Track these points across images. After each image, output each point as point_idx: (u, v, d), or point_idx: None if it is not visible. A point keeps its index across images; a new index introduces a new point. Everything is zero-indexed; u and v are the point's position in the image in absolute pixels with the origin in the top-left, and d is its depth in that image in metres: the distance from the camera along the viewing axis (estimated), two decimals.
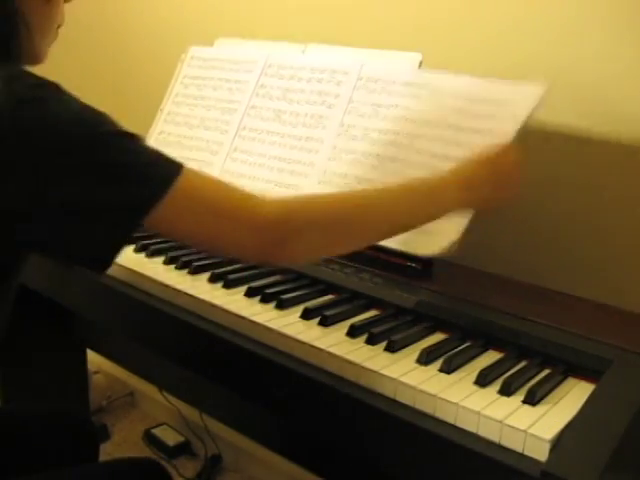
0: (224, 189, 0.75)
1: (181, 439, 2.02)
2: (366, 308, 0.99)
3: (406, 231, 0.87)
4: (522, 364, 0.85)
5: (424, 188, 0.86)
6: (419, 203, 0.85)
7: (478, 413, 0.71)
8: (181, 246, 1.18)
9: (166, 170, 0.72)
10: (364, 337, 0.87)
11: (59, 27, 0.91)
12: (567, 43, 1.23)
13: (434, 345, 0.86)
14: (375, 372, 0.79)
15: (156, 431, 2.05)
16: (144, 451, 2.01)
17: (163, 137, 1.56)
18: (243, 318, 0.92)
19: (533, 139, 1.28)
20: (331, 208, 0.79)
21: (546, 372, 0.83)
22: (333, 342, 0.85)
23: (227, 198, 0.74)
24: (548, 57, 1.25)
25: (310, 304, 0.96)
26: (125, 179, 0.70)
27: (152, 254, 1.14)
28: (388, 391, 0.78)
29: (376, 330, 0.88)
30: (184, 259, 1.10)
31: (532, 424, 0.69)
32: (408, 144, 1.18)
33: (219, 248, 0.78)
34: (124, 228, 0.71)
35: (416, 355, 0.83)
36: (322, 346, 0.84)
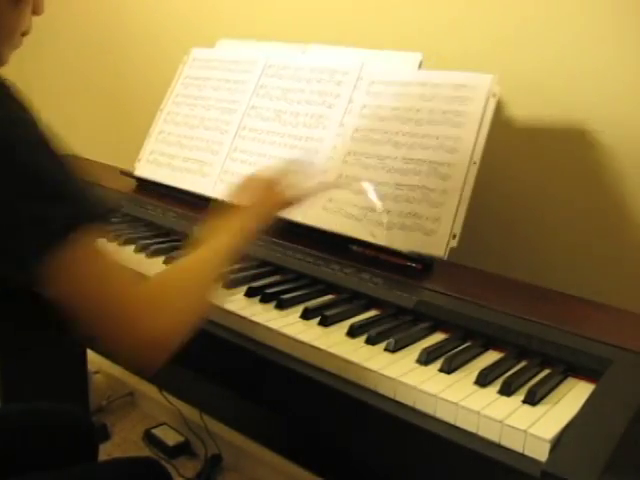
0: (108, 279, 0.71)
1: (181, 439, 2.02)
2: (366, 308, 0.99)
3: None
4: (522, 364, 0.85)
5: (225, 235, 0.88)
6: (226, 248, 0.87)
7: (478, 413, 0.71)
8: (181, 246, 1.18)
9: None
10: (364, 337, 0.87)
11: (24, 34, 0.90)
12: (567, 42, 1.23)
13: (434, 345, 0.86)
14: (375, 372, 0.79)
15: (156, 431, 2.05)
16: (144, 451, 2.01)
17: (163, 137, 1.56)
18: (243, 318, 0.92)
19: (539, 138, 1.28)
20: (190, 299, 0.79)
21: (546, 372, 0.83)
22: (333, 342, 0.85)
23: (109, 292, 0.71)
24: (549, 57, 1.25)
25: (310, 304, 0.96)
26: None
27: (152, 254, 1.14)
28: (388, 391, 0.78)
29: (376, 330, 0.88)
30: None
31: (532, 424, 0.69)
32: (408, 143, 1.19)
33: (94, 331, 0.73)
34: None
35: (416, 355, 0.83)
36: (322, 346, 0.84)
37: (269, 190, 0.97)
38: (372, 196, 1.17)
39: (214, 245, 0.85)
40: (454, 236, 1.09)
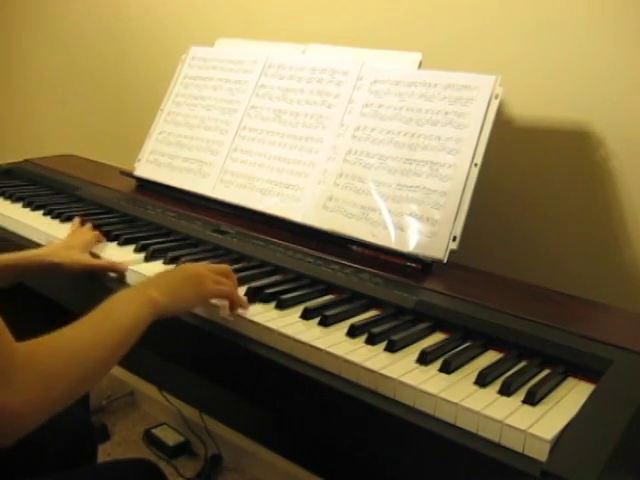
0: None
1: (181, 439, 2.02)
2: (366, 308, 0.99)
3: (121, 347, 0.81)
4: (522, 364, 0.85)
5: (114, 304, 0.83)
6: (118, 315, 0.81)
7: (478, 413, 0.71)
8: (181, 246, 1.19)
9: None
10: (364, 337, 0.87)
11: None
12: (570, 43, 1.23)
13: (434, 345, 0.86)
14: (375, 372, 0.79)
15: (156, 431, 2.05)
16: (144, 451, 2.01)
17: (163, 137, 1.56)
18: (243, 318, 0.92)
19: (550, 139, 1.28)
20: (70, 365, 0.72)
21: (546, 372, 0.83)
22: (333, 342, 0.85)
23: None
24: (551, 58, 1.25)
25: (310, 304, 0.96)
26: None
27: (152, 254, 1.14)
28: (388, 391, 0.78)
29: (376, 330, 0.88)
30: (185, 259, 1.10)
31: (532, 424, 0.69)
32: (410, 144, 1.19)
33: None
34: None
35: (416, 355, 0.83)
36: (322, 346, 0.84)
37: (207, 275, 0.93)
38: None
39: (112, 310, 0.80)
40: (454, 238, 1.09)
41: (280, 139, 1.35)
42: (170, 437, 2.03)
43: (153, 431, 2.05)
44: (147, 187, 1.54)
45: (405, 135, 1.20)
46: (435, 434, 0.72)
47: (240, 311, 0.93)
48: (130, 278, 1.08)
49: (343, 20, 1.55)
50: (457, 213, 1.10)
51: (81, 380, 0.73)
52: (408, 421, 0.74)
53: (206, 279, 0.92)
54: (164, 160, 1.53)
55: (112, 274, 1.10)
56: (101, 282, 1.09)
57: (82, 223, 1.26)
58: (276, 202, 1.30)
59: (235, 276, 0.98)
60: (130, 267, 1.08)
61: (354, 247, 1.19)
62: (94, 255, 1.15)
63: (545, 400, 0.76)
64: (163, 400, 2.05)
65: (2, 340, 0.65)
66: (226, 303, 0.94)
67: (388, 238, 1.15)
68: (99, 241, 1.20)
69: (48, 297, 1.19)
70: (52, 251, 1.13)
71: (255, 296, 0.98)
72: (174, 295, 0.88)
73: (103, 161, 1.84)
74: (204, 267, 0.97)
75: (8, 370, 0.64)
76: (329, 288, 1.04)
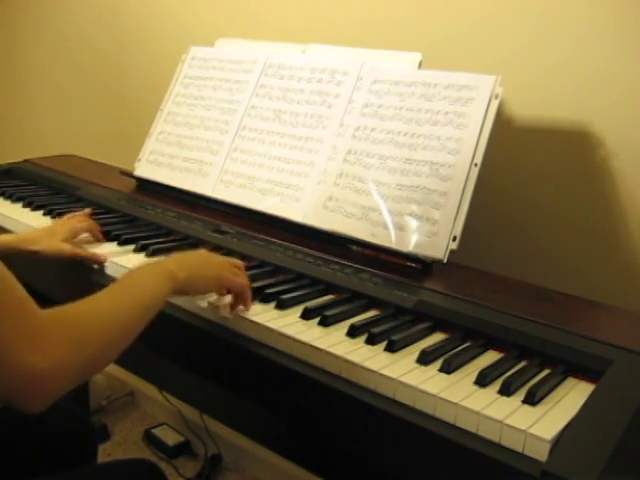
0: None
1: (181, 439, 2.02)
2: (366, 308, 0.99)
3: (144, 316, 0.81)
4: (522, 364, 0.85)
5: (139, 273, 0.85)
6: (137, 286, 0.82)
7: (478, 413, 0.71)
8: (181, 246, 1.19)
9: None
10: (364, 337, 0.87)
11: None
12: (571, 44, 1.23)
13: (434, 345, 0.86)
14: (375, 372, 0.79)
15: (156, 431, 2.05)
16: (144, 451, 2.01)
17: (163, 137, 1.56)
18: (243, 318, 0.92)
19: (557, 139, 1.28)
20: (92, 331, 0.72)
21: (546, 372, 0.83)
22: (333, 342, 0.85)
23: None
24: (552, 58, 1.25)
25: (310, 304, 0.96)
26: None
27: (152, 254, 1.14)
28: (388, 391, 0.78)
29: (376, 330, 0.88)
30: None
31: (532, 424, 0.69)
32: (410, 144, 1.19)
33: None
34: None
35: (416, 355, 0.83)
36: (322, 346, 0.84)
37: (226, 264, 0.95)
38: None
39: (134, 282, 0.82)
40: (454, 238, 1.09)
41: (280, 139, 1.35)
42: (170, 437, 2.03)
43: (153, 431, 2.05)
44: (147, 187, 1.54)
45: (405, 135, 1.20)
46: (435, 434, 0.72)
47: (241, 308, 0.93)
48: (110, 269, 1.09)
49: (343, 20, 1.55)
50: (457, 213, 1.10)
51: (106, 347, 0.73)
52: (408, 421, 0.74)
53: (224, 267, 0.94)
54: (164, 160, 1.53)
55: (95, 265, 1.09)
56: (84, 274, 1.09)
57: (88, 215, 1.24)
58: (276, 202, 1.30)
59: (247, 278, 0.98)
60: (110, 259, 1.09)
61: (354, 247, 1.19)
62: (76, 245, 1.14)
63: (545, 400, 0.76)
64: (163, 400, 2.04)
65: (27, 306, 0.65)
66: (227, 302, 0.94)
67: (388, 238, 1.15)
68: (90, 230, 1.19)
69: (50, 299, 1.19)
70: (32, 238, 1.13)
71: (255, 296, 0.98)
72: (193, 274, 0.89)
73: (103, 161, 1.84)
74: (222, 257, 0.99)
75: (35, 333, 0.64)
76: (329, 288, 1.04)
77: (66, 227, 1.16)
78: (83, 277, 1.11)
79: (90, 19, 2.22)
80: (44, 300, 0.71)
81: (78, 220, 1.21)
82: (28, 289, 0.67)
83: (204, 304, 0.96)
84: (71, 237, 1.15)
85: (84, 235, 1.19)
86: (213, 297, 0.97)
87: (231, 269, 0.95)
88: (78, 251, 1.12)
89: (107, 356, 0.75)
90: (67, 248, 1.11)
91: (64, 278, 1.17)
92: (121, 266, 1.08)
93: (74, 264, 1.10)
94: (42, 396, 0.65)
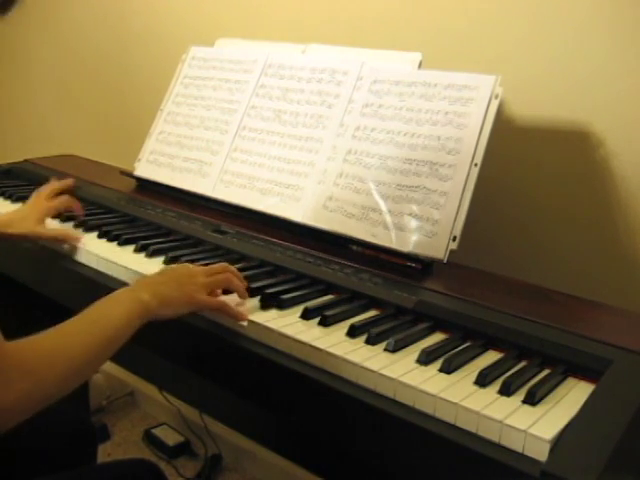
0: None
1: (181, 439, 2.02)
2: (366, 308, 0.99)
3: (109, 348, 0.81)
4: (522, 364, 0.85)
5: (101, 305, 0.83)
6: (101, 313, 0.81)
7: (478, 413, 0.71)
8: (181, 246, 1.19)
9: None
10: (364, 337, 0.87)
11: None
12: (571, 43, 1.23)
13: (434, 345, 0.86)
14: (375, 372, 0.79)
15: (156, 431, 2.05)
16: (144, 451, 2.01)
17: (163, 137, 1.56)
18: None
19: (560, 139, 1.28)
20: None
21: (546, 372, 0.83)
22: (333, 342, 0.85)
23: None
24: (552, 58, 1.26)
25: (310, 304, 0.96)
26: None
27: (152, 254, 1.14)
28: (388, 391, 0.78)
29: (376, 330, 0.88)
30: (185, 259, 1.10)
31: (532, 424, 0.69)
32: (410, 144, 1.19)
33: None
34: None
35: (416, 355, 0.83)
36: (322, 346, 0.84)
37: (199, 283, 0.91)
38: None
39: (102, 312, 0.80)
40: (454, 238, 1.09)
41: (280, 139, 1.35)
42: (170, 437, 2.03)
43: (153, 431, 2.05)
44: (147, 187, 1.54)
45: (405, 135, 1.20)
46: (435, 434, 0.72)
47: (242, 309, 0.93)
48: (83, 257, 1.11)
49: (343, 20, 1.55)
50: (457, 213, 1.10)
51: (66, 379, 0.74)
52: (408, 421, 0.74)
53: (196, 287, 0.90)
54: (164, 160, 1.53)
55: (65, 246, 1.09)
56: (57, 260, 1.09)
57: (64, 188, 1.24)
58: (276, 202, 1.30)
59: (233, 269, 0.97)
60: (85, 247, 1.10)
61: (354, 247, 1.19)
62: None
63: (545, 400, 0.76)
64: (163, 400, 2.05)
65: None
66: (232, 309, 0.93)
67: (388, 238, 1.15)
68: (67, 206, 1.17)
69: (50, 299, 1.20)
70: (3, 220, 1.12)
71: (255, 296, 0.98)
72: (164, 300, 0.87)
73: (103, 161, 1.84)
74: (198, 270, 0.94)
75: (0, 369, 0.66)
76: (329, 288, 1.04)
77: (36, 209, 1.14)
78: (53, 263, 1.11)
79: (91, 20, 2.22)
80: (15, 284, 0.72)
81: (46, 196, 1.18)
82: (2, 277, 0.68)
83: None
84: (43, 219, 1.13)
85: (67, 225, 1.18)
86: None
87: (205, 287, 0.91)
88: (51, 232, 1.11)
89: (69, 386, 0.75)
90: (40, 230, 1.10)
91: (36, 264, 1.17)
92: (121, 266, 1.08)
93: (46, 247, 1.10)
94: (2, 426, 0.69)
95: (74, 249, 1.16)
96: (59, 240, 1.11)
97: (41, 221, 1.13)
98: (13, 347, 0.69)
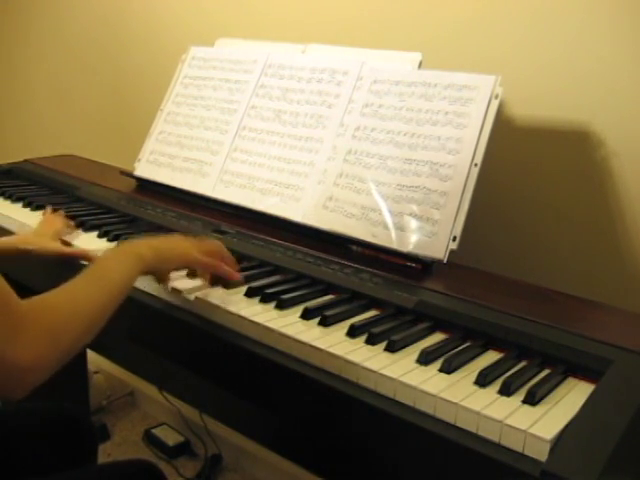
0: None
1: (181, 439, 2.02)
2: (366, 308, 0.99)
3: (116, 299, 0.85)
4: (522, 364, 0.85)
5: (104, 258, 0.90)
6: (106, 270, 0.86)
7: (478, 413, 0.71)
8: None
9: None
10: (364, 337, 0.87)
11: None
12: (571, 43, 1.23)
13: (434, 345, 0.86)
14: (375, 372, 0.79)
15: (156, 431, 2.05)
16: (144, 451, 2.01)
17: (163, 137, 1.56)
18: (243, 318, 0.92)
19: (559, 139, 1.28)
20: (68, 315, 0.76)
21: (546, 372, 0.83)
22: (333, 342, 0.85)
23: None
24: (552, 57, 1.25)
25: (310, 304, 0.96)
26: None
27: None
28: (388, 391, 0.78)
29: (376, 330, 0.88)
30: None
31: (532, 424, 0.69)
32: (410, 144, 1.19)
33: None
34: None
35: (416, 355, 0.83)
36: (322, 346, 0.84)
37: (196, 244, 0.98)
38: None
39: (105, 267, 0.85)
40: (454, 238, 1.09)
41: (280, 139, 1.35)
42: (170, 437, 2.03)
43: (153, 431, 2.05)
44: (147, 187, 1.54)
45: (405, 135, 1.20)
46: (435, 434, 0.72)
47: (205, 293, 0.97)
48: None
49: (343, 20, 1.55)
50: (457, 213, 1.10)
51: (82, 332, 0.77)
52: (408, 421, 0.74)
53: (193, 247, 0.97)
54: (164, 160, 1.53)
55: (83, 262, 1.12)
56: (72, 270, 1.10)
57: (54, 211, 1.29)
58: (276, 202, 1.30)
59: (224, 250, 1.02)
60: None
61: (354, 247, 1.19)
62: (65, 243, 1.19)
63: (545, 400, 0.76)
64: (163, 400, 2.04)
65: (8, 298, 0.68)
66: (194, 286, 0.98)
67: (388, 238, 1.15)
68: (69, 227, 1.24)
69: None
70: (23, 238, 1.18)
71: (255, 296, 0.98)
72: (160, 253, 0.93)
73: (103, 161, 1.84)
74: (194, 238, 1.01)
75: (16, 326, 0.68)
76: (329, 288, 1.04)
77: (52, 227, 1.21)
78: (69, 272, 1.13)
79: (91, 20, 2.22)
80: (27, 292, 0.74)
81: (60, 221, 1.25)
82: (15, 284, 0.69)
83: (205, 305, 0.96)
84: (57, 236, 1.19)
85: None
86: (214, 299, 0.97)
87: (201, 249, 0.98)
88: (69, 249, 1.16)
89: (82, 342, 0.78)
90: (58, 247, 1.15)
91: (52, 276, 1.19)
92: None
93: (61, 261, 1.14)
94: (22, 386, 0.69)
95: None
96: (76, 256, 1.15)
97: (56, 238, 1.18)
98: (28, 307, 0.71)
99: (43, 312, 0.72)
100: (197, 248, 0.98)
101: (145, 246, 0.92)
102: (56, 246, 1.15)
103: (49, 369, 0.71)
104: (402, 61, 1.27)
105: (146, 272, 0.92)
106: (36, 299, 0.73)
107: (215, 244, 1.02)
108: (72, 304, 0.77)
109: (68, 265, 1.12)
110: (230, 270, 0.99)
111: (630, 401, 0.73)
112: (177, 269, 0.99)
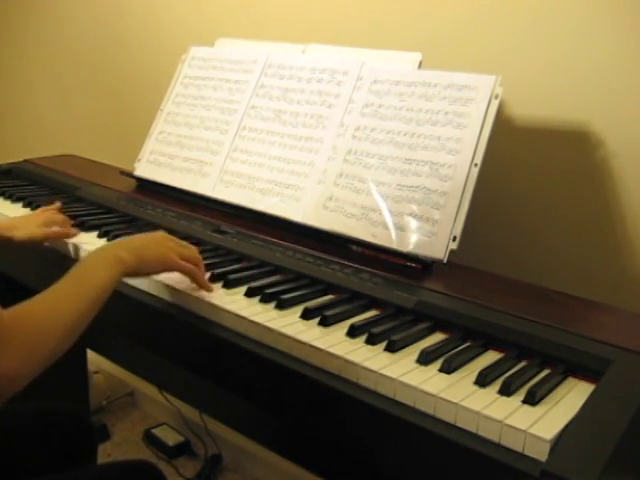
0: None
1: (181, 439, 2.02)
2: (366, 308, 0.99)
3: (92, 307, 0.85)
4: (522, 364, 0.85)
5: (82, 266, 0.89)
6: (82, 275, 0.87)
7: (478, 413, 0.71)
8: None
9: None
10: (364, 337, 0.87)
11: None
12: (570, 43, 1.23)
13: (434, 345, 0.86)
14: (375, 372, 0.79)
15: (156, 431, 2.05)
16: (144, 451, 2.01)
17: (163, 137, 1.56)
18: (243, 318, 0.92)
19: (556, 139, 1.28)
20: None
21: (546, 372, 0.83)
22: (333, 342, 0.85)
23: None
24: (551, 57, 1.25)
25: (310, 304, 0.96)
26: None
27: None
28: (388, 391, 0.78)
29: (376, 330, 0.88)
30: None
31: (532, 424, 0.69)
32: (410, 144, 1.19)
33: None
34: None
35: (416, 355, 0.83)
36: (322, 346, 0.84)
37: (174, 247, 0.99)
38: None
39: (86, 273, 0.86)
40: (454, 238, 1.09)
41: (280, 139, 1.35)
42: (170, 437, 2.03)
43: (153, 431, 2.05)
44: (147, 187, 1.54)
45: (405, 135, 1.20)
46: (435, 434, 0.72)
47: (204, 293, 0.98)
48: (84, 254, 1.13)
49: (343, 20, 1.55)
50: (457, 213, 1.10)
51: (63, 340, 0.79)
52: (408, 421, 0.74)
53: (171, 249, 0.98)
54: (164, 160, 1.53)
55: (70, 247, 1.14)
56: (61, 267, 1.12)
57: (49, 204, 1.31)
58: (276, 202, 1.30)
59: (200, 259, 1.02)
60: (87, 247, 1.14)
61: (354, 247, 1.19)
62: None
63: (545, 400, 0.76)
64: (163, 400, 2.04)
65: None
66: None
67: (388, 238, 1.15)
68: (63, 223, 1.23)
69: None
70: (6, 225, 1.17)
71: (255, 296, 0.98)
72: (141, 257, 0.94)
73: (103, 161, 1.84)
74: (172, 239, 1.01)
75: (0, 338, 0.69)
76: (329, 288, 1.04)
77: (40, 216, 1.22)
78: (57, 263, 1.15)
79: (91, 20, 2.22)
80: (21, 289, 0.75)
81: (52, 213, 1.26)
82: (6, 279, 0.71)
83: (205, 305, 0.96)
84: (44, 226, 1.19)
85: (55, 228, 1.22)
86: (214, 298, 0.97)
87: (182, 254, 0.99)
88: (48, 232, 1.17)
89: (64, 349, 0.79)
90: (39, 232, 1.16)
91: (39, 264, 1.21)
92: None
93: (49, 251, 1.16)
94: (3, 395, 0.72)
95: (77, 250, 1.16)
96: (58, 236, 1.17)
97: (40, 227, 1.19)
98: (11, 316, 0.72)
99: (26, 323, 0.74)
100: (177, 252, 0.98)
101: (126, 250, 0.92)
102: (40, 231, 1.16)
103: (30, 377, 0.74)
104: (402, 61, 1.27)
105: (126, 275, 0.93)
106: (18, 309, 0.74)
107: (193, 250, 1.03)
108: (54, 313, 0.78)
109: (59, 257, 1.13)
110: (206, 281, 1.00)
111: (630, 401, 0.73)
112: (156, 273, 1.00)
